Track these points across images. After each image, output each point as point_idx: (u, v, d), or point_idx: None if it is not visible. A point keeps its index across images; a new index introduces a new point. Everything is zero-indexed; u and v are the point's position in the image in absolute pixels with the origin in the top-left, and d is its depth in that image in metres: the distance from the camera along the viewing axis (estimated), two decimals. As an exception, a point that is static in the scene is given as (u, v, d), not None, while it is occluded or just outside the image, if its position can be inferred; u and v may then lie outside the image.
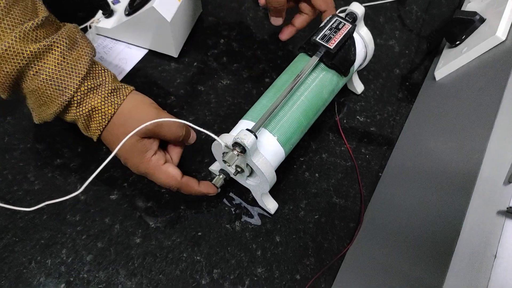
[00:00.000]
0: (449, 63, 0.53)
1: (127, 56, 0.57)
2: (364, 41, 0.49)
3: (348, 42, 0.45)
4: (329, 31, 0.45)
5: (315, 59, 0.44)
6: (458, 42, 0.54)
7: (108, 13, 0.56)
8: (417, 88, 0.58)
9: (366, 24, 0.49)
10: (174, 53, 0.56)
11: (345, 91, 0.57)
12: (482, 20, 0.51)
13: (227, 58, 0.59)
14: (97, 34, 0.58)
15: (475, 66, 0.49)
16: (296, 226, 0.47)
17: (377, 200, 0.49)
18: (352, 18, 0.46)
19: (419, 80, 0.59)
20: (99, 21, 0.57)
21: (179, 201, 0.47)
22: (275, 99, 0.41)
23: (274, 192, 0.49)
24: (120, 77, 0.56)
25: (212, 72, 0.58)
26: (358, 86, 0.56)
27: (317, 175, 0.51)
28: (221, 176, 0.44)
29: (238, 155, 0.37)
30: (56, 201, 0.40)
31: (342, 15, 0.47)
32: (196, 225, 0.46)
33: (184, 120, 0.54)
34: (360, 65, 0.52)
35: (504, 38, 0.45)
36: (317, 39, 0.44)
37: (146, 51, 0.58)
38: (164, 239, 0.45)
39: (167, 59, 0.58)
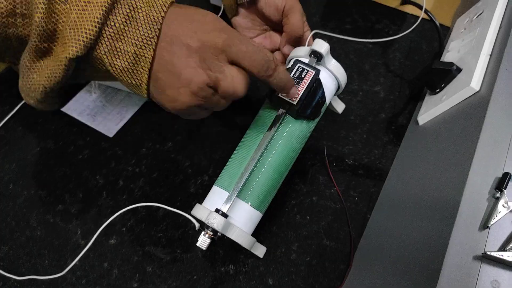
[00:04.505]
0: (430, 110, 0.56)
1: (128, 104, 0.61)
2: (333, 74, 0.46)
3: (314, 86, 0.43)
4: None
5: (280, 113, 0.43)
6: (438, 90, 0.58)
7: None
8: (402, 132, 0.62)
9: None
10: (172, 102, 0.60)
11: (333, 135, 0.60)
12: (459, 70, 0.55)
13: (222, 105, 0.62)
14: (100, 83, 0.62)
15: (453, 113, 0.52)
16: (288, 269, 0.49)
17: (366, 241, 0.51)
18: (317, 56, 0.44)
19: (404, 123, 0.63)
20: (102, 72, 0.60)
21: (176, 245, 0.49)
22: (245, 163, 0.42)
23: (266, 235, 0.51)
24: (121, 124, 0.59)
25: (207, 118, 0.61)
26: (338, 107, 0.54)
27: (308, 217, 0.53)
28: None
29: (211, 238, 0.39)
30: (43, 278, 0.45)
31: (307, 51, 0.45)
32: (191, 269, 0.48)
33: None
34: (335, 94, 0.50)
35: (477, 89, 0.49)
36: (279, 95, 0.42)
37: (145, 99, 0.61)
38: (161, 283, 0.47)
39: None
